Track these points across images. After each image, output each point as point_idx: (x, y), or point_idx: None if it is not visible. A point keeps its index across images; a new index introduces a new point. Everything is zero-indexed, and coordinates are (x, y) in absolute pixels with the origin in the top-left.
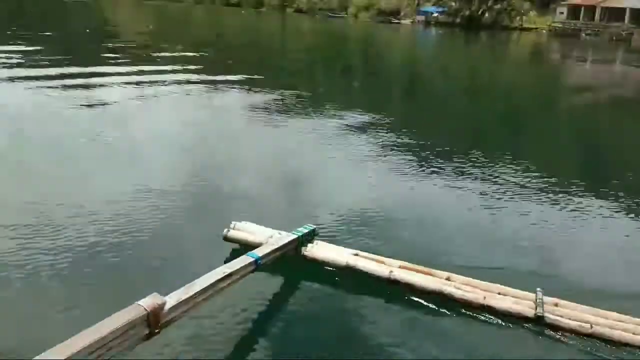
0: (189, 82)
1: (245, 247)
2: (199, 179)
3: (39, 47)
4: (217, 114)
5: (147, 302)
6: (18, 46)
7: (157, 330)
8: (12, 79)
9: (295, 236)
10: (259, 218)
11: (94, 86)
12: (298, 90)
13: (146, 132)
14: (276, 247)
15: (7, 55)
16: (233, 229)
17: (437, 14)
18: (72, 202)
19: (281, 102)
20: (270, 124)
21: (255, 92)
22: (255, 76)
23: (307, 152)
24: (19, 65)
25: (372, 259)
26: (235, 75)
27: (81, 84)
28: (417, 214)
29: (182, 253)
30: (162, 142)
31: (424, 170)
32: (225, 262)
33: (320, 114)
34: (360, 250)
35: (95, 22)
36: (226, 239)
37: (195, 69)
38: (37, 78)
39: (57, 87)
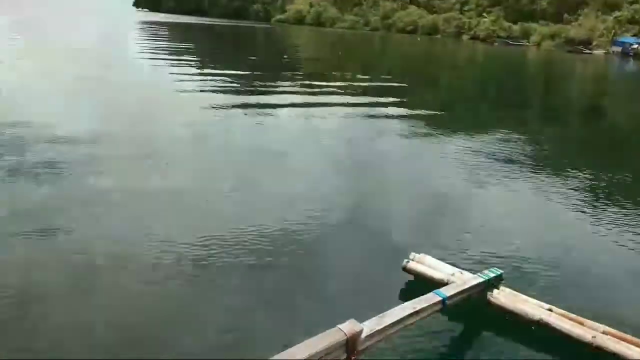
0: (385, 116)
1: (424, 280)
2: (381, 207)
3: (246, 72)
4: (401, 145)
5: (347, 328)
6: (229, 70)
7: (352, 358)
8: (219, 106)
9: (482, 279)
10: (438, 252)
11: (296, 111)
12: (484, 126)
13: (333, 162)
14: (463, 288)
15: (215, 78)
16: (413, 260)
17: (637, 45)
18: (255, 223)
19: (464, 136)
20: (455, 159)
21: (441, 125)
22: (439, 111)
23: (494, 189)
24: (224, 90)
25: (570, 318)
26: (421, 108)
27: (268, 112)
28: (624, 270)
29: (363, 279)
30: (345, 171)
31: (634, 222)
32: (402, 292)
33: (509, 151)
34: (553, 305)
35: (288, 48)
36: (405, 269)
37: (384, 101)
38: (245, 105)
39: (267, 114)
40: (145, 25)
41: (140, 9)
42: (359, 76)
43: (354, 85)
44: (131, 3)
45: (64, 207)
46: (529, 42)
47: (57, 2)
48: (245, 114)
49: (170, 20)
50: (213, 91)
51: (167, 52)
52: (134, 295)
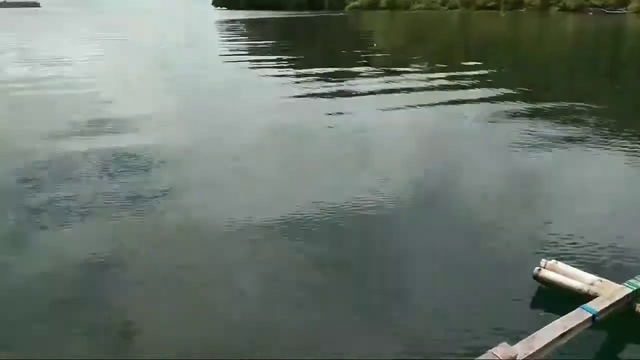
0: (514, 114)
1: (559, 289)
2: (502, 207)
3: (342, 69)
4: (538, 145)
5: (501, 352)
6: (326, 67)
7: None
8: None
9: (630, 289)
10: (570, 258)
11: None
12: (599, 113)
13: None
14: (612, 302)
15: (316, 77)
16: (544, 267)
17: None
18: (374, 232)
19: (586, 127)
20: (579, 153)
21: (549, 115)
22: (570, 100)
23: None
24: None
25: None
26: (545, 98)
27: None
28: None
29: (492, 289)
30: (469, 170)
31: None
32: (537, 303)
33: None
34: None
35: (373, 36)
36: (537, 278)
37: (502, 93)
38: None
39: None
40: (226, 25)
41: (218, 7)
42: (463, 63)
43: (460, 75)
44: (209, 3)
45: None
46: (626, 9)
47: (139, 8)
48: (354, 113)
49: (250, 16)
50: (319, 95)
51: (254, 52)
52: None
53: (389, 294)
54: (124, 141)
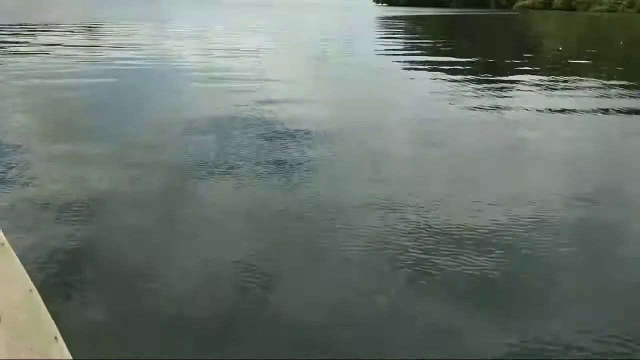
0: None
1: None
2: None
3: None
4: None
5: None
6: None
7: None
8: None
9: None
10: None
11: None
12: None
13: None
14: None
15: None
16: None
17: None
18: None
19: None
20: None
21: None
22: None
23: None
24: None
25: None
26: None
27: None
28: None
29: None
30: None
31: None
32: None
33: None
34: None
35: (543, 37)
36: None
37: None
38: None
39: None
40: (387, 21)
41: (379, 4)
42: None
43: None
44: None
45: None
46: None
47: (307, 3)
48: (540, 134)
49: (411, 13)
50: (486, 108)
51: (417, 51)
52: None
53: None
54: (282, 132)
